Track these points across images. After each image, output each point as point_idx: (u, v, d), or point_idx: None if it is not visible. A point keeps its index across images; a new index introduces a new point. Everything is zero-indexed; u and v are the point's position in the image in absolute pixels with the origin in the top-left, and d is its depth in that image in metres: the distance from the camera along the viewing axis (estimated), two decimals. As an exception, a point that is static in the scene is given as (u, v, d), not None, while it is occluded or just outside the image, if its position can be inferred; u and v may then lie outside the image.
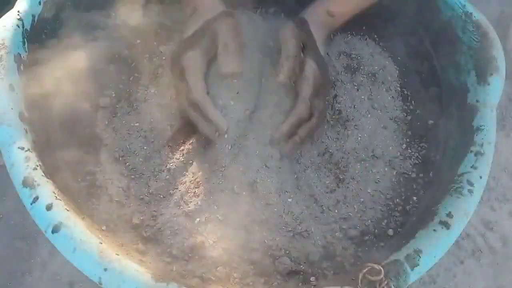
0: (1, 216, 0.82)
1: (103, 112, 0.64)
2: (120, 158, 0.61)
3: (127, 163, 0.61)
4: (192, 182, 0.59)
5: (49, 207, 0.48)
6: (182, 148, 0.62)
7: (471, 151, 0.58)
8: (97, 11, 0.72)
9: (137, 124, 0.64)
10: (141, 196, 0.59)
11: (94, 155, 0.61)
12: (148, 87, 0.67)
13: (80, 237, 0.47)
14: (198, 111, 0.61)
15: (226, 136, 0.60)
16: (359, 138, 0.67)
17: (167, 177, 0.60)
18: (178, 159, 0.62)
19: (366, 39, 0.76)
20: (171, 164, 0.61)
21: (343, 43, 0.75)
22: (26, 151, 0.51)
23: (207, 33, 0.62)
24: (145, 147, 0.63)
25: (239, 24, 0.64)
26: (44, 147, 0.56)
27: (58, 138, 0.61)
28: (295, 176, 0.63)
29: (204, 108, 0.60)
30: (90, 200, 0.57)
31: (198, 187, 0.59)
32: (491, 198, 0.92)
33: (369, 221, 0.60)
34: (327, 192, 0.63)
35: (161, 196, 0.60)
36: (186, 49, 0.62)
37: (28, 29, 0.60)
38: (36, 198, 0.48)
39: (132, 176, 0.60)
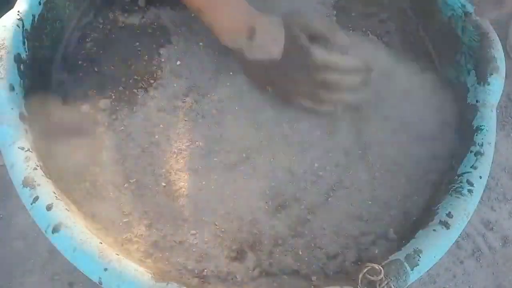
0: (1, 216, 0.82)
1: (103, 114, 0.64)
2: (120, 160, 0.61)
3: (126, 165, 0.61)
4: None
5: (49, 207, 0.48)
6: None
7: (471, 151, 0.58)
8: (96, 12, 0.72)
9: (136, 127, 0.64)
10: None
11: (94, 156, 0.61)
12: (147, 89, 0.67)
13: (80, 237, 0.47)
14: None
15: None
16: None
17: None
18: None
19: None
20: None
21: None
22: (26, 151, 0.51)
23: None
24: (143, 151, 0.63)
25: None
26: (44, 147, 0.56)
27: (59, 139, 0.61)
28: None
29: None
30: (90, 201, 0.57)
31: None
32: (491, 198, 0.92)
33: (370, 220, 0.60)
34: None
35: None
36: None
37: (28, 29, 0.60)
38: (36, 198, 0.48)
39: (131, 180, 0.60)
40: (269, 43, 0.62)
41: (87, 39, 0.70)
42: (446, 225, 0.52)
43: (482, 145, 0.57)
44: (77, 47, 0.69)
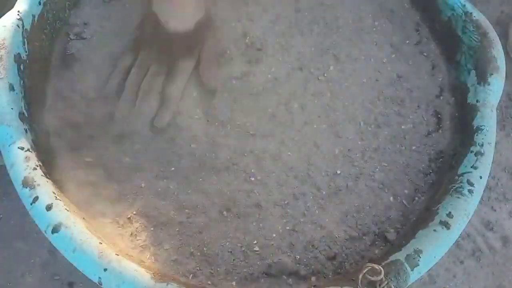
0: (1, 216, 0.82)
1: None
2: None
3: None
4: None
5: (49, 207, 0.48)
6: None
7: (471, 151, 0.58)
8: (94, 10, 0.72)
9: (134, 126, 0.64)
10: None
11: (93, 156, 0.61)
12: None
13: (80, 237, 0.47)
14: None
15: None
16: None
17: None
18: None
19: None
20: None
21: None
22: (26, 151, 0.51)
23: None
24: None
25: None
26: (44, 147, 0.56)
27: (58, 139, 0.61)
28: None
29: None
30: (90, 200, 0.57)
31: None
32: (491, 198, 0.92)
33: (369, 221, 0.60)
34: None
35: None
36: None
37: (28, 29, 0.60)
38: (36, 198, 0.48)
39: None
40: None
41: (86, 39, 0.69)
42: (446, 225, 0.52)
43: (482, 145, 0.57)
44: (77, 47, 0.69)
